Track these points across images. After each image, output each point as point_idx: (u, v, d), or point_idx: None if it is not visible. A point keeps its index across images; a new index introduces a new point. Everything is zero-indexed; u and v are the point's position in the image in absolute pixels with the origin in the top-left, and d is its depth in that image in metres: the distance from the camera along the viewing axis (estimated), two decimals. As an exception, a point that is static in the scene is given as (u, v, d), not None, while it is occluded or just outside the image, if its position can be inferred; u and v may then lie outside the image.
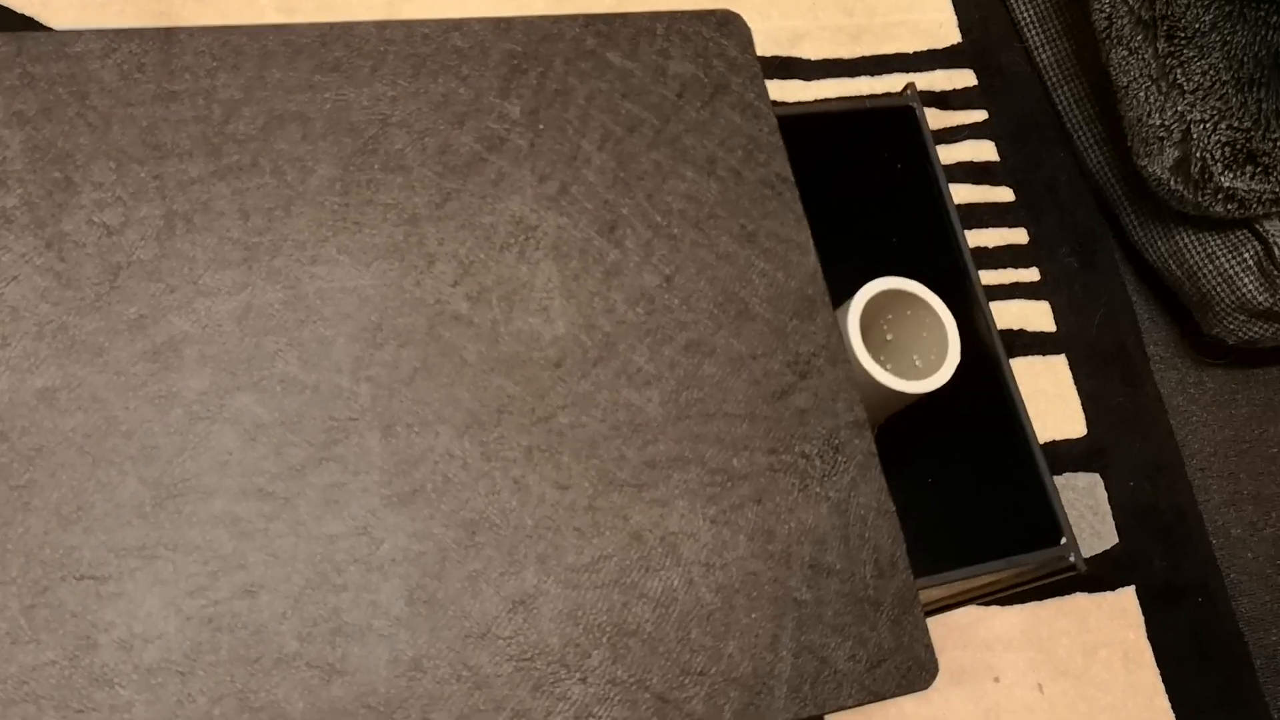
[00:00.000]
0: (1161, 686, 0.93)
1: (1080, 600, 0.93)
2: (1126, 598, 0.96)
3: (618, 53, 0.64)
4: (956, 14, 1.34)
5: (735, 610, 0.56)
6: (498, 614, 0.52)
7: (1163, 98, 0.98)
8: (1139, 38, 1.02)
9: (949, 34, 1.29)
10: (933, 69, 1.24)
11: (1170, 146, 0.98)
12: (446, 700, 0.50)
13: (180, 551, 0.50)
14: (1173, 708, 0.92)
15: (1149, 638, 0.94)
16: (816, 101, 0.88)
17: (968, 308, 0.72)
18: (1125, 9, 1.02)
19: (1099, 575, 0.94)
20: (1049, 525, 0.67)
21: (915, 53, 1.27)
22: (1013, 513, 0.69)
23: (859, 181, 0.77)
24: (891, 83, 1.13)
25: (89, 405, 0.51)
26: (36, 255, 0.52)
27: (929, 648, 0.57)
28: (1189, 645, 0.95)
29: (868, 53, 1.17)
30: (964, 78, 1.17)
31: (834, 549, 0.58)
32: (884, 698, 0.57)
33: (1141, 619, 0.95)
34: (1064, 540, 0.65)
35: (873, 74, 1.14)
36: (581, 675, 0.53)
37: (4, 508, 0.48)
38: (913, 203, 0.74)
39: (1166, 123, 0.96)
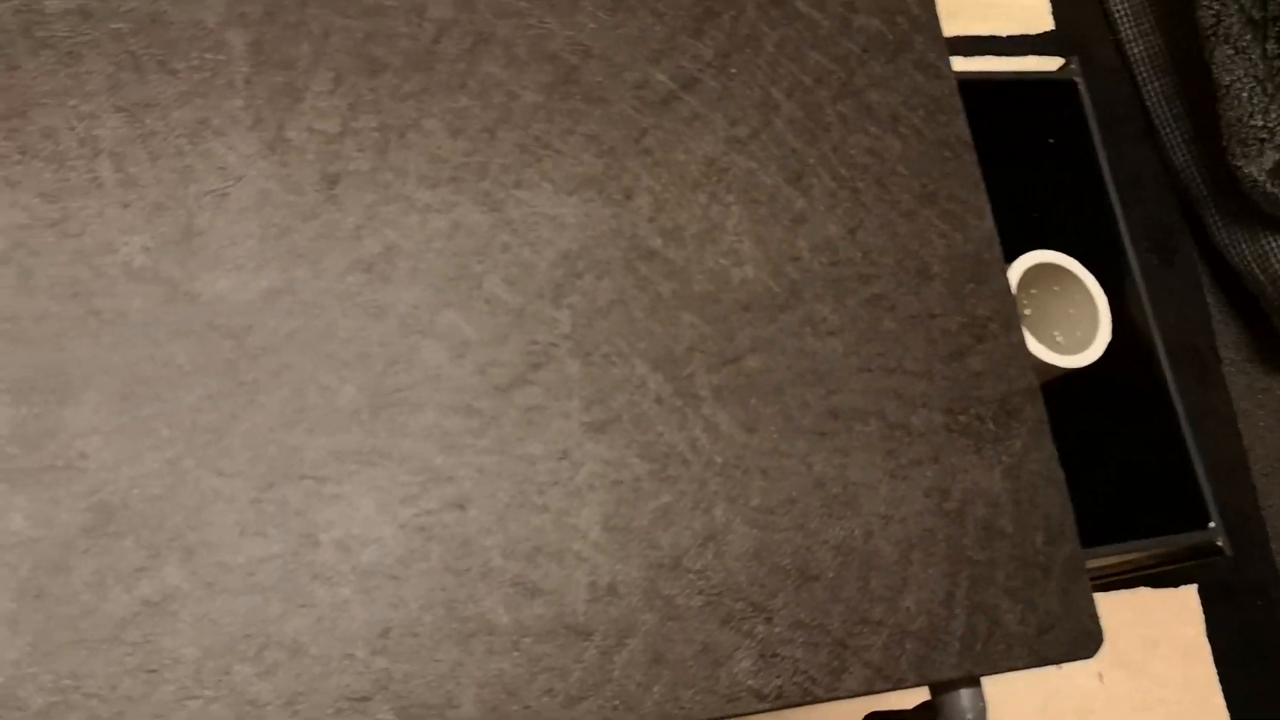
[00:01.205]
0: (1218, 684, 1.00)
1: (1144, 595, 1.00)
2: (1188, 595, 1.03)
3: (805, 2, 0.69)
4: (1051, 1, 1.40)
5: (912, 565, 0.61)
6: (688, 547, 0.58)
7: (1267, 99, 1.04)
8: (1247, 37, 1.08)
9: (1042, 20, 1.34)
10: (1024, 54, 1.30)
11: (1271, 149, 1.04)
12: (640, 627, 0.56)
13: (394, 460, 0.55)
14: (1228, 705, 0.99)
15: (1208, 636, 1.01)
16: (977, 71, 0.93)
17: (1120, 285, 0.77)
18: (1236, 7, 1.08)
19: (1163, 571, 1.00)
20: (1195, 508, 0.73)
21: (1008, 36, 1.33)
22: (1156, 494, 0.75)
23: (1009, 153, 0.83)
24: (983, 64, 1.19)
25: (309, 310, 0.56)
26: (260, 158, 0.57)
27: (1094, 618, 0.63)
28: (1247, 645, 1.02)
29: (961, 32, 1.22)
30: (1054, 65, 1.23)
31: (1006, 513, 0.63)
32: (1051, 663, 0.63)
33: (1202, 617, 1.02)
34: (1212, 524, 0.71)
35: (965, 54, 1.19)
36: (767, 615, 0.58)
37: (232, 402, 0.53)
38: (1066, 178, 0.80)
39: (1270, 124, 1.02)
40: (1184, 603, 1.03)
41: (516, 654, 0.55)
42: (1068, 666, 0.94)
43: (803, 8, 0.71)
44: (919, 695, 0.67)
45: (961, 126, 0.72)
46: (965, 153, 0.71)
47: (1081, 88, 0.76)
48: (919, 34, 0.73)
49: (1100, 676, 0.96)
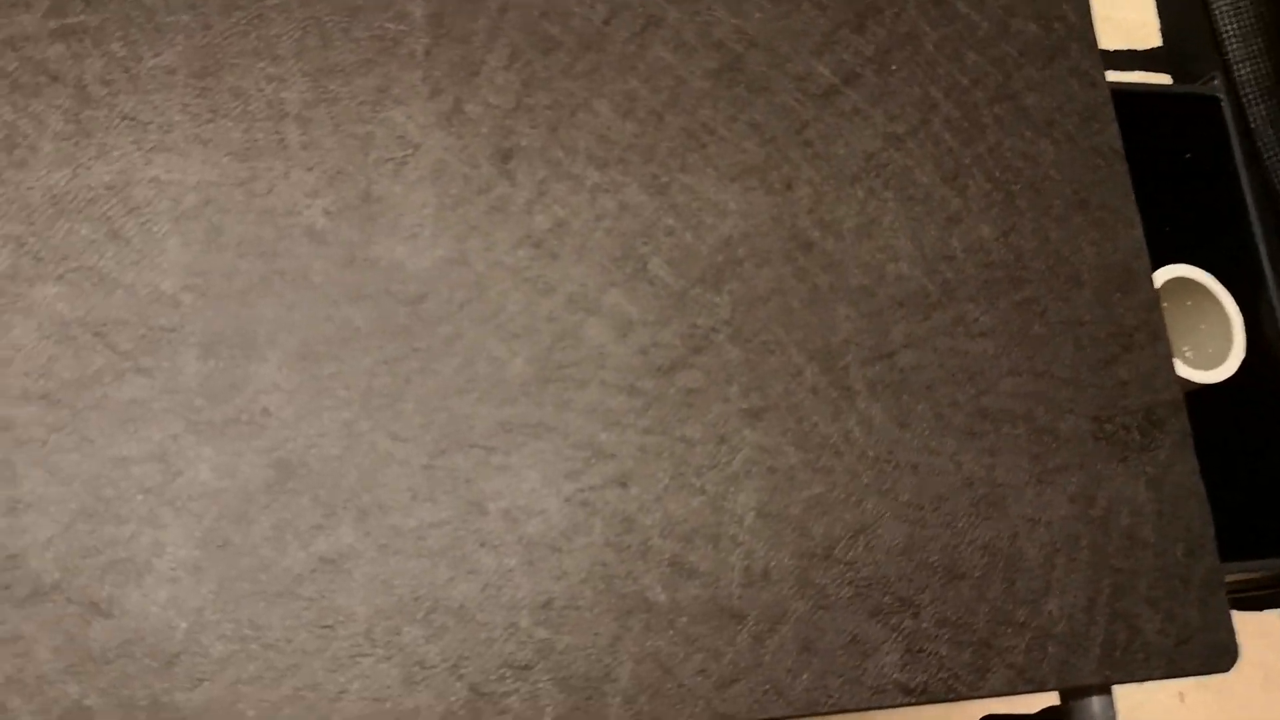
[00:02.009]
0: (1298, 714, 1.02)
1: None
2: (1272, 621, 1.05)
3: (965, 3, 0.72)
4: (1160, 18, 1.42)
5: (1056, 569, 0.64)
6: (840, 537, 0.60)
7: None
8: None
9: (1150, 36, 1.37)
10: (1130, 69, 1.32)
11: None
12: (791, 614, 0.58)
13: (559, 434, 0.58)
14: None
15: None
16: (1118, 82, 0.95)
17: (1255, 303, 0.79)
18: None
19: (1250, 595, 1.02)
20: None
21: (1115, 51, 1.35)
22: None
23: (1146, 165, 0.85)
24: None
25: (481, 281, 0.58)
26: (437, 129, 0.60)
27: (1231, 632, 0.66)
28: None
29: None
30: (1161, 82, 1.26)
31: (1149, 522, 0.66)
32: (1186, 674, 0.65)
33: (1287, 643, 1.04)
34: (1347, 550, 0.73)
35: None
36: (914, 610, 0.61)
37: (407, 367, 0.56)
38: (1202, 193, 0.82)
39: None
40: (1268, 628, 1.05)
41: (672, 632, 0.58)
42: (1149, 684, 0.96)
43: (962, 8, 0.74)
44: (1034, 699, 0.69)
45: (1114, 135, 0.74)
46: (1117, 162, 0.74)
47: (1225, 104, 0.78)
48: (1075, 41, 0.76)
49: (1181, 696, 0.98)
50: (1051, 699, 0.69)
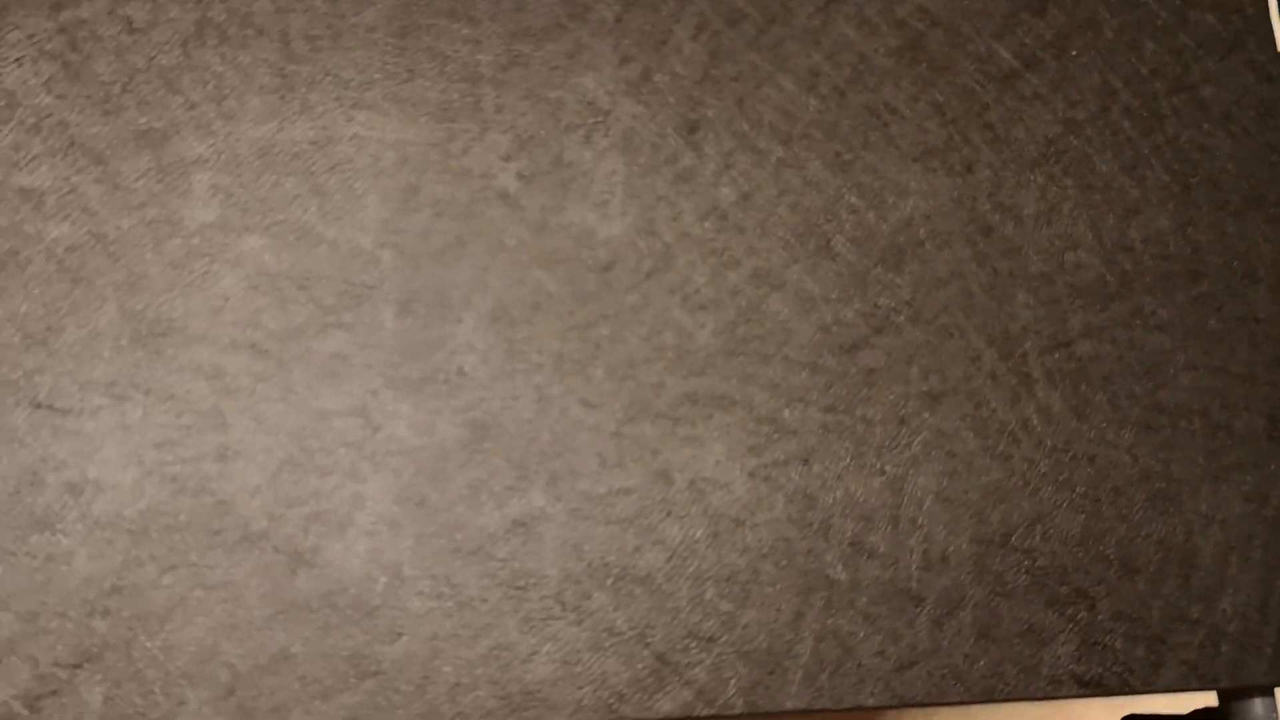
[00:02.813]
0: None
1: None
2: None
3: (1144, -10, 0.73)
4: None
5: (1230, 567, 0.65)
6: (1017, 525, 0.62)
7: None
8: None
9: None
10: None
11: None
12: (969, 600, 0.60)
13: (743, 408, 0.60)
14: None
15: None
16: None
17: None
18: None
19: None
20: None
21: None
22: None
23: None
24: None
25: (668, 251, 0.60)
26: (626, 97, 0.62)
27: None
28: None
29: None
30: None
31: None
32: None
33: None
34: None
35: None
36: (1090, 602, 0.62)
37: (597, 334, 0.58)
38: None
39: None
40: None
41: (852, 612, 0.59)
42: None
43: (1141, -5, 0.75)
44: (1174, 699, 0.70)
45: (1291, 131, 0.75)
46: (1294, 158, 0.75)
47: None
48: (1252, 34, 0.77)
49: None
50: (1201, 701, 0.70)
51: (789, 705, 0.60)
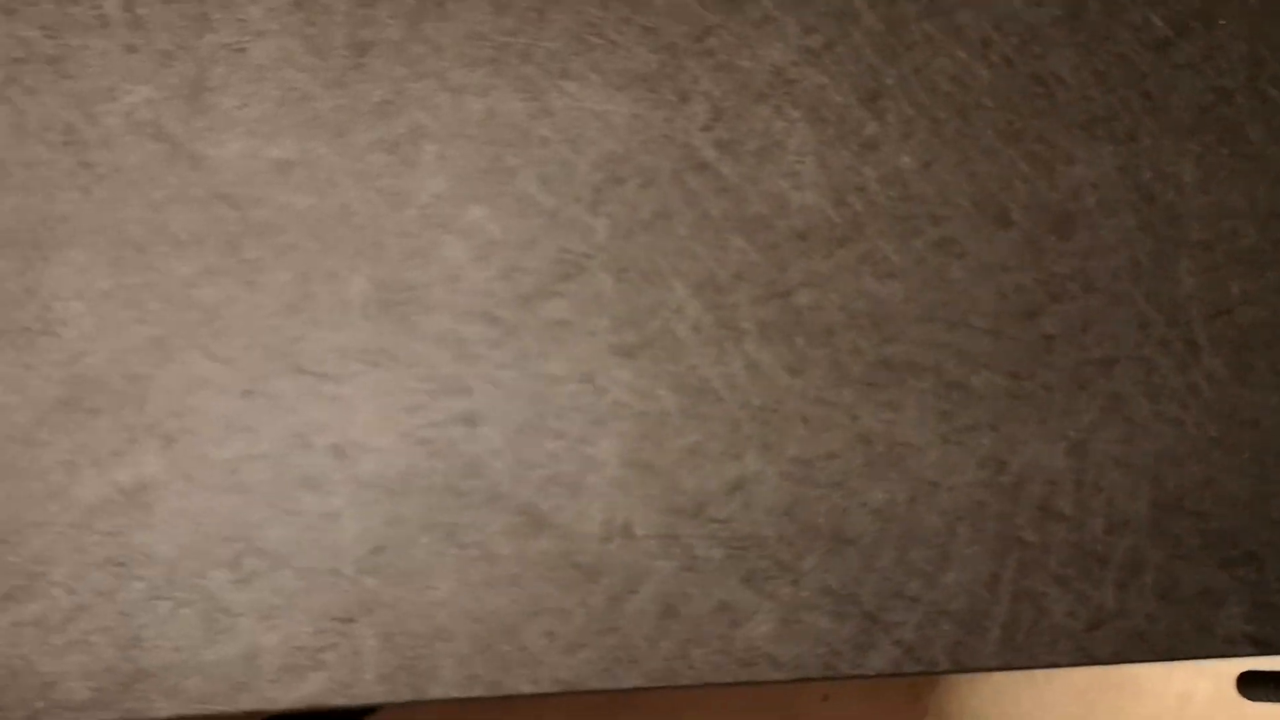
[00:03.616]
0: None
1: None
2: None
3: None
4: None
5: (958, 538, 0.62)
6: (714, 493, 0.59)
7: None
8: None
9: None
10: None
11: None
12: (653, 575, 0.57)
13: (401, 363, 0.55)
14: None
15: None
16: None
17: None
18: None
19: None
20: None
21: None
22: None
23: None
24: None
25: (323, 188, 0.56)
26: (285, 14, 0.57)
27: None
28: None
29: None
30: None
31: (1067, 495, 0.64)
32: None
33: None
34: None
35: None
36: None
37: (231, 281, 0.54)
38: None
39: None
40: None
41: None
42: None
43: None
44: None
45: None
46: None
47: None
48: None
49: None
50: None
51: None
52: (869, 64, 0.68)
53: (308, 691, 0.54)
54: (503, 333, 0.59)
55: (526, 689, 0.56)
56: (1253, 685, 1.03)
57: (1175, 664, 1.01)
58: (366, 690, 0.54)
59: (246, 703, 0.53)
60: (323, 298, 0.56)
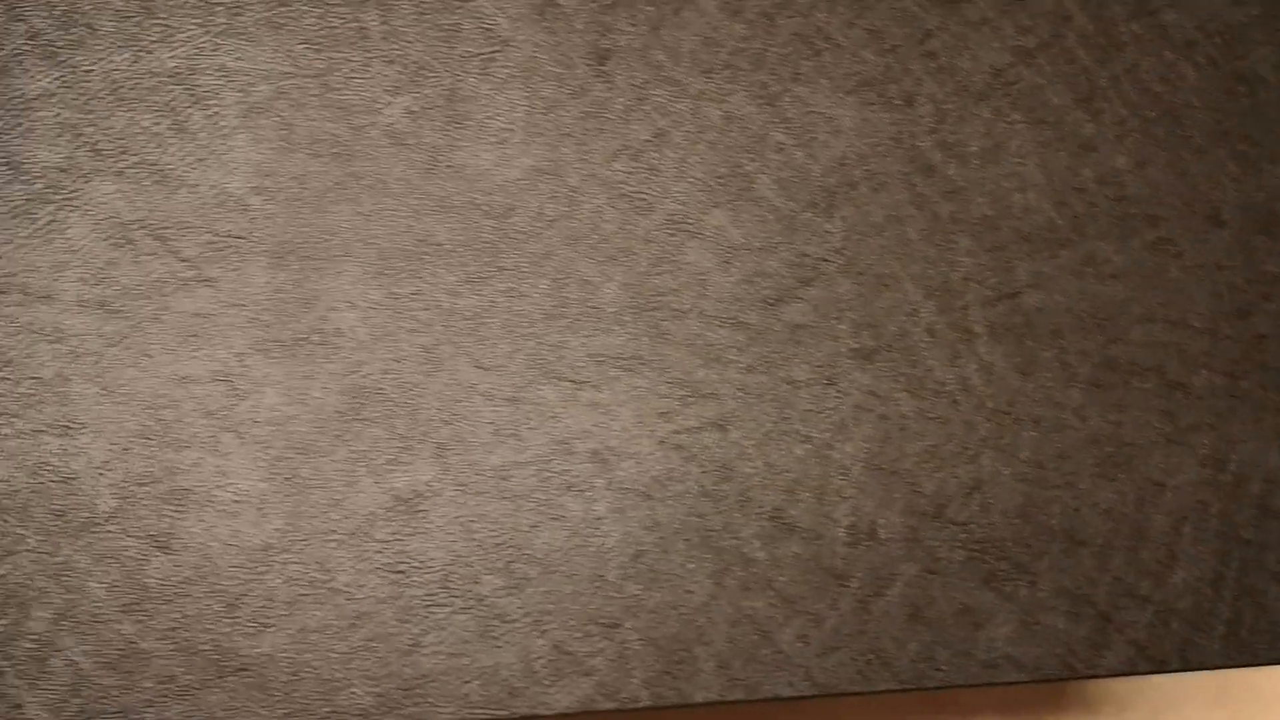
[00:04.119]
0: None
1: None
2: None
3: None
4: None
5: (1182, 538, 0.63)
6: (953, 495, 0.60)
7: None
8: None
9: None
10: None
11: None
12: (901, 576, 0.58)
13: (654, 369, 0.57)
14: None
15: None
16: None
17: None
18: None
19: None
20: None
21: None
22: None
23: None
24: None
25: (573, 195, 0.57)
26: (529, 23, 0.58)
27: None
28: None
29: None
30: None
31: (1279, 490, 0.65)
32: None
33: None
34: None
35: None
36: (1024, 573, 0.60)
37: (492, 288, 0.55)
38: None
39: None
40: None
41: (770, 593, 0.57)
42: None
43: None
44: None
45: None
46: None
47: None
48: (1222, -50, 0.74)
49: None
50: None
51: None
52: (1082, 65, 0.69)
53: (578, 696, 0.55)
54: (748, 337, 0.60)
55: (785, 692, 0.57)
56: None
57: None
58: (633, 694, 0.56)
59: (520, 707, 0.54)
60: (578, 305, 0.57)
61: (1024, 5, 0.69)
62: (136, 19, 0.54)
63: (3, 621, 0.47)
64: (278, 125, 0.55)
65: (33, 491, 0.49)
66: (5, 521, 0.48)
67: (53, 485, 0.49)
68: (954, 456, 0.62)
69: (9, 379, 0.49)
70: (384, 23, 0.58)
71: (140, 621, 0.49)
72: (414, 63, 0.58)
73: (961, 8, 0.67)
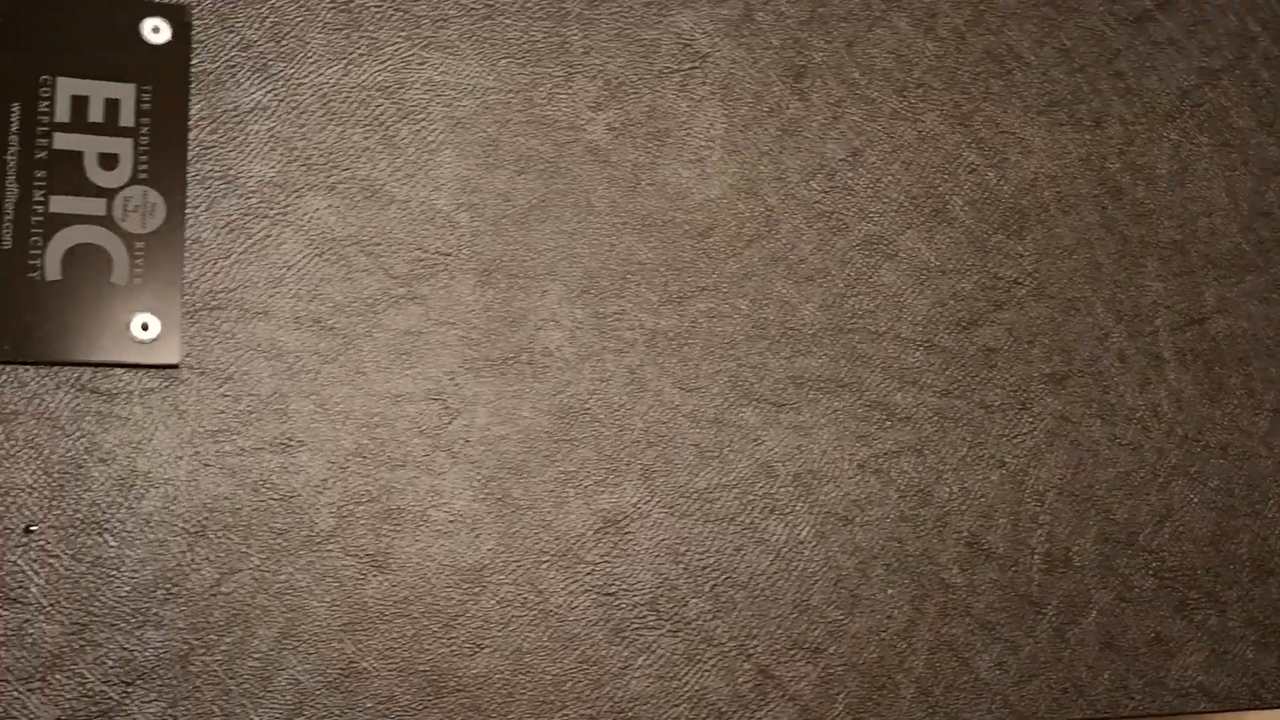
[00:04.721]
0: None
1: None
2: None
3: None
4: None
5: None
6: (1144, 523, 0.59)
7: None
8: None
9: None
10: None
11: None
12: (1096, 604, 0.57)
13: (852, 391, 0.56)
14: None
15: None
16: None
17: None
18: None
19: None
20: None
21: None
22: None
23: None
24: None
25: (771, 214, 0.57)
26: (726, 37, 0.58)
27: None
28: None
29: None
30: None
31: None
32: None
33: None
34: None
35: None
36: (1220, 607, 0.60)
37: (693, 308, 0.55)
38: None
39: None
40: None
41: (969, 619, 0.57)
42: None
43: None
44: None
45: None
46: None
47: None
48: (1401, -30, 0.73)
49: None
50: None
51: None
52: (1265, 87, 0.69)
53: (780, 721, 0.55)
54: (943, 360, 0.60)
55: (985, 720, 0.57)
56: None
57: None
58: (836, 719, 0.56)
59: (724, 732, 0.54)
60: (777, 326, 0.57)
61: (1209, 25, 0.68)
62: (344, 31, 0.54)
63: (228, 639, 0.48)
64: (483, 141, 0.55)
65: (254, 509, 0.49)
66: (230, 539, 0.48)
67: (274, 503, 0.49)
68: (1145, 484, 0.62)
69: (229, 395, 0.49)
70: (585, 36, 0.58)
71: (360, 641, 0.49)
72: (614, 78, 0.58)
73: (1148, 27, 0.67)
